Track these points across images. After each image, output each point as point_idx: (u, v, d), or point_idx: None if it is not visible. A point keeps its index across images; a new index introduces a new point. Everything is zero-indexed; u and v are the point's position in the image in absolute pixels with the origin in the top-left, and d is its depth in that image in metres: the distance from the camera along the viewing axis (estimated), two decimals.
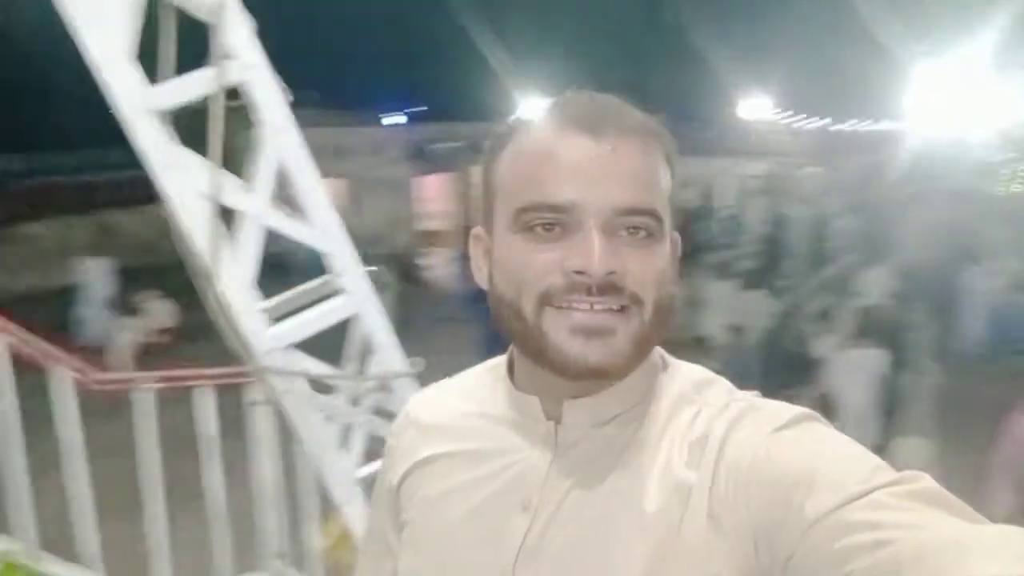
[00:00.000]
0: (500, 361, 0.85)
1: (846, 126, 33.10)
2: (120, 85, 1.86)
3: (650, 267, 0.71)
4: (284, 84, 2.18)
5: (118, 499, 3.35)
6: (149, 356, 7.84)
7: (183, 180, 2.03)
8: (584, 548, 0.71)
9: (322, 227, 2.35)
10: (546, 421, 0.77)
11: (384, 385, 2.58)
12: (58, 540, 3.18)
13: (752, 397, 0.75)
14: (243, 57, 2.08)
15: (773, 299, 8.02)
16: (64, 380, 3.00)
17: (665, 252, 0.73)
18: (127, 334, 8.29)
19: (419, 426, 0.88)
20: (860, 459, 0.63)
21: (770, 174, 17.75)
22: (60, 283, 9.09)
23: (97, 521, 3.12)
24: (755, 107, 32.15)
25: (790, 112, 33.96)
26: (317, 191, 2.32)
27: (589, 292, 0.68)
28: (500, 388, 0.83)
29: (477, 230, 0.80)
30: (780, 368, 6.12)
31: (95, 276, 9.07)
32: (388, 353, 2.57)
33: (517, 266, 0.71)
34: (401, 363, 2.60)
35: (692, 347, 6.71)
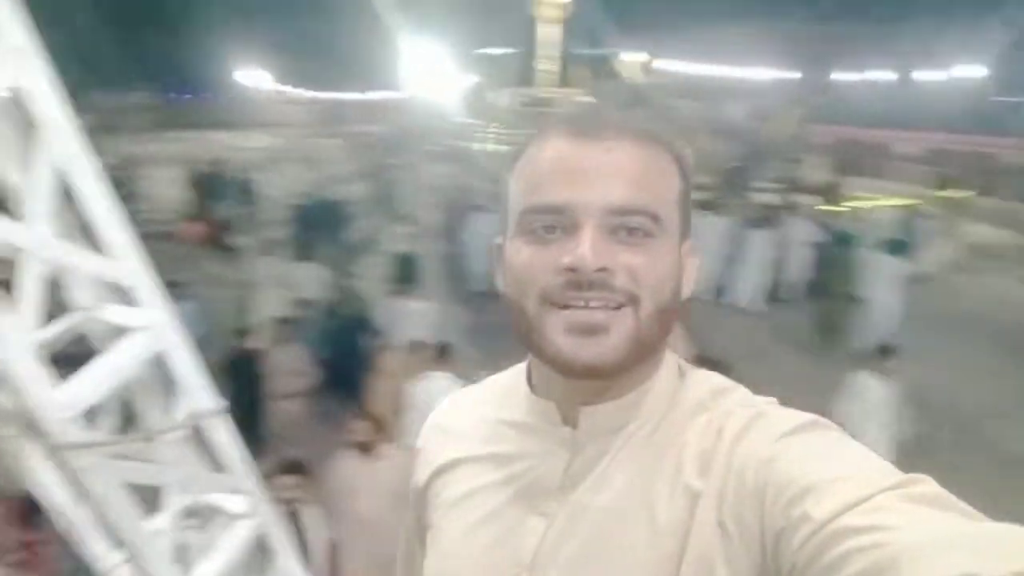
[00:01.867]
0: (522, 367, 0.87)
1: (349, 96, 33.93)
2: None
3: (648, 266, 0.71)
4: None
5: None
6: None
7: None
8: (596, 553, 0.73)
9: (117, 253, 1.86)
10: (563, 426, 0.78)
11: (196, 431, 2.14)
12: None
13: (765, 404, 0.75)
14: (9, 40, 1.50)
15: (324, 268, 8.07)
16: None
17: (667, 253, 0.74)
18: None
19: (443, 430, 0.91)
20: (863, 464, 0.64)
21: (276, 146, 17.55)
22: None
23: None
24: (255, 78, 31.14)
25: (290, 84, 33.87)
26: (109, 209, 1.81)
27: (581, 288, 0.70)
28: (520, 394, 0.84)
29: (497, 241, 0.81)
30: (350, 332, 6.49)
31: None
32: (198, 394, 2.14)
33: (520, 268, 0.73)
34: (213, 403, 2.19)
35: (275, 328, 6.29)
